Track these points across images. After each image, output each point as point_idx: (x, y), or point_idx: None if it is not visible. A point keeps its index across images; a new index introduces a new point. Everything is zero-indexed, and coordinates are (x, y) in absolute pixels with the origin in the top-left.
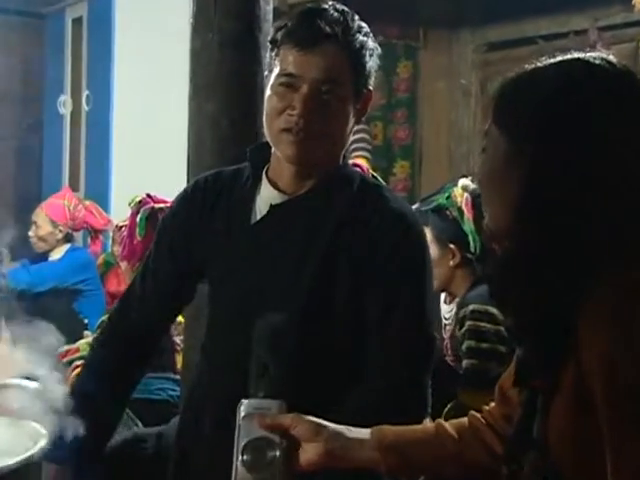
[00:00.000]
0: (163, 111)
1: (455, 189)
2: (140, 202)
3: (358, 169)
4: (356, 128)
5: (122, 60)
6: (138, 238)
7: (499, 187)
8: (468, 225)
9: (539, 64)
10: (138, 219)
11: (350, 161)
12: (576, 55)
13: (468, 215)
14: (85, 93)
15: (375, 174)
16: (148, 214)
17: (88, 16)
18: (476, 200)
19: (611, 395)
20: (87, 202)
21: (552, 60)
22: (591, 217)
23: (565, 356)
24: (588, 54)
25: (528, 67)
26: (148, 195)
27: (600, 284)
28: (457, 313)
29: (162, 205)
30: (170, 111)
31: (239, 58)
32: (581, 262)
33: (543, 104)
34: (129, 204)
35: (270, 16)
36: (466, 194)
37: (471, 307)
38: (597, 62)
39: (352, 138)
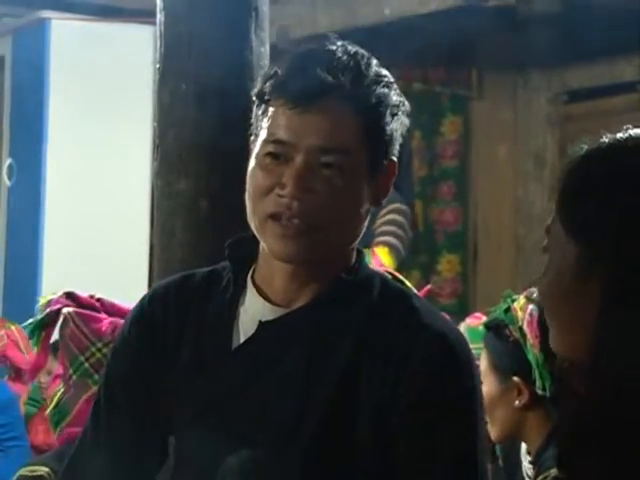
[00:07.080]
0: (115, 188)
1: (517, 299)
2: (49, 302)
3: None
4: (389, 208)
5: (58, 117)
6: (25, 353)
7: (567, 304)
8: (532, 353)
9: (627, 134)
10: (30, 325)
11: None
12: None
13: (532, 339)
14: (7, 162)
15: (397, 275)
16: (45, 319)
17: (13, 56)
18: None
19: None
20: (12, 327)
21: None
22: None
23: None
24: None
25: (610, 138)
26: (68, 294)
27: None
28: (534, 478)
29: (87, 310)
30: (126, 189)
31: (223, 118)
32: None
33: (634, 200)
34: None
35: (266, 60)
36: (530, 307)
37: (554, 473)
38: None
39: (380, 221)
